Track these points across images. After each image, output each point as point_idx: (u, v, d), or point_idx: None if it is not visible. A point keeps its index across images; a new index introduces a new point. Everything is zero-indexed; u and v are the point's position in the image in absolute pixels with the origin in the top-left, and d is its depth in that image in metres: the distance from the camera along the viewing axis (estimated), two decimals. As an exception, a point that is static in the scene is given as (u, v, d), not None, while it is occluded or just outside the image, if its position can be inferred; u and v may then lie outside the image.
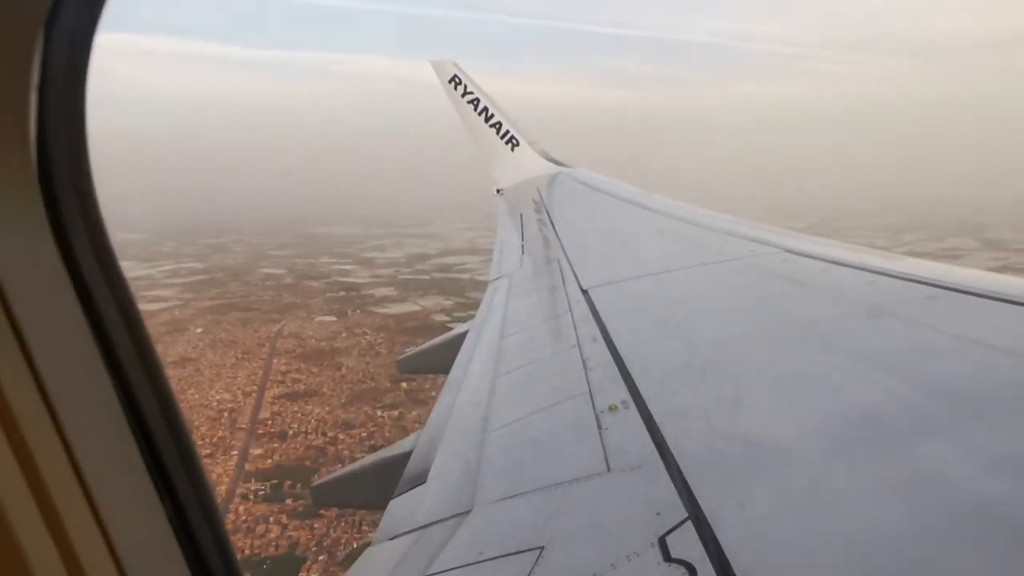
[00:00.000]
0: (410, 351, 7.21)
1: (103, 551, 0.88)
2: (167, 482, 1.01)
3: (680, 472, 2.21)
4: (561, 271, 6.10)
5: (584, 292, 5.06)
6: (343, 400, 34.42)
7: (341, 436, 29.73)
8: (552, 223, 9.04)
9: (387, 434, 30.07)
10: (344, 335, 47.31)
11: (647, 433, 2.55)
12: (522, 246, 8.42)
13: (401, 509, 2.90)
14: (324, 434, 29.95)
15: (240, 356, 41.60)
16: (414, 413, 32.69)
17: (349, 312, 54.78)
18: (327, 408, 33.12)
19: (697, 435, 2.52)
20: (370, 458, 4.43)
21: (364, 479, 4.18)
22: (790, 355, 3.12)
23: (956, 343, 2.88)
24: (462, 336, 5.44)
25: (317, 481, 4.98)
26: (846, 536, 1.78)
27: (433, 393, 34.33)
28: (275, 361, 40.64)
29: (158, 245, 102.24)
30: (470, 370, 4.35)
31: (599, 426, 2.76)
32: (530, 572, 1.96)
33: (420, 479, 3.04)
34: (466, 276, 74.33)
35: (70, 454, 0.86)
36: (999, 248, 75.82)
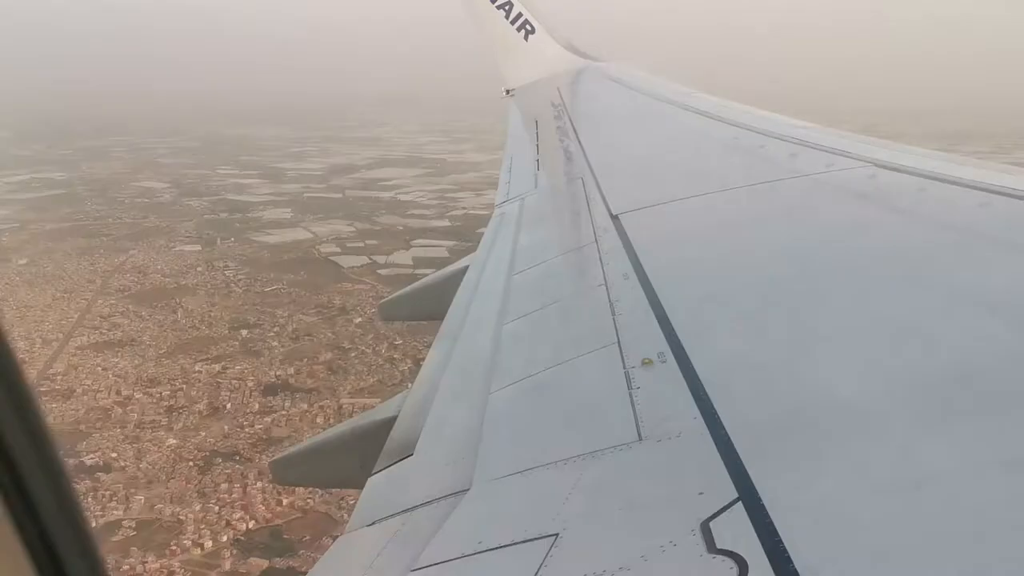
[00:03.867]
0: (394, 293, 6.87)
1: None
2: None
3: (729, 442, 2.08)
4: (586, 192, 5.82)
5: (614, 218, 4.81)
6: (161, 351, 35.03)
7: (138, 396, 30.48)
8: (575, 131, 8.63)
9: (193, 393, 30.88)
10: (200, 269, 47.42)
11: (689, 394, 2.42)
12: (537, 161, 8.05)
13: (382, 488, 2.82)
14: (118, 392, 30.69)
15: (59, 295, 41.85)
16: (238, 368, 33.45)
17: (219, 240, 54.71)
18: (138, 361, 33.75)
19: (752, 397, 2.40)
20: (345, 425, 4.28)
21: (336, 451, 4.01)
22: (878, 299, 2.94)
23: None
24: (460, 274, 5.23)
25: (279, 455, 4.82)
26: (940, 526, 1.64)
27: (276, 343, 34.86)
28: (99, 302, 40.98)
29: (17, 147, 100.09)
30: (470, 316, 4.18)
31: (629, 385, 2.64)
32: (541, 564, 1.85)
33: (406, 451, 2.96)
34: (386, 195, 73.66)
35: None
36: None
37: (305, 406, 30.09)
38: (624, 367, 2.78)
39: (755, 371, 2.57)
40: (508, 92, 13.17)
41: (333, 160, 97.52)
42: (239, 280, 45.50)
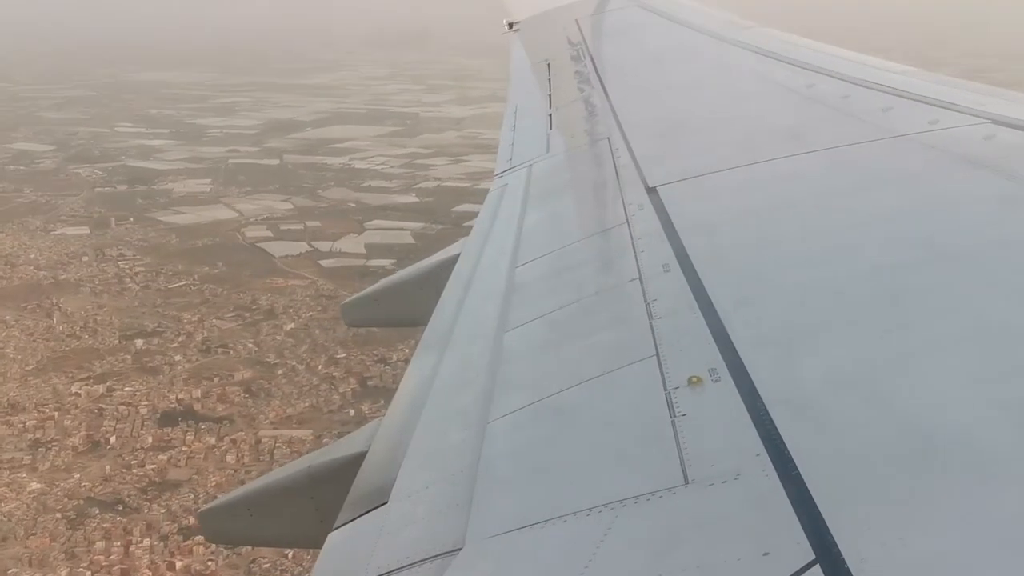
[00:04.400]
0: (363, 291, 6.93)
1: None
2: None
3: (803, 487, 2.10)
4: (614, 157, 5.83)
5: (651, 192, 4.81)
6: (28, 367, 35.30)
7: (-6, 425, 30.77)
8: (600, 78, 8.63)
9: (68, 423, 31.14)
10: (86, 259, 47.73)
11: (750, 423, 2.44)
12: (549, 116, 8.06)
13: (346, 546, 2.85)
14: (-33, 422, 30.94)
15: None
16: (129, 389, 33.71)
17: (114, 221, 54.97)
18: (-3, 380, 34.05)
19: (832, 427, 2.41)
20: (299, 463, 4.29)
21: (286, 498, 4.02)
22: (1004, 301, 2.92)
23: None
24: (448, 265, 5.23)
25: (212, 503, 4.90)
26: None
27: (179, 357, 35.47)
28: (-49, 302, 41.23)
29: None
30: (461, 321, 4.21)
31: (672, 411, 2.64)
32: None
33: (378, 498, 2.98)
34: (337, 161, 74.04)
35: None
36: None
37: (212, 440, 30.43)
38: (665, 388, 2.78)
39: (837, 394, 2.55)
40: (511, 26, 13.01)
41: (271, 114, 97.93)
42: (136, 274, 45.82)
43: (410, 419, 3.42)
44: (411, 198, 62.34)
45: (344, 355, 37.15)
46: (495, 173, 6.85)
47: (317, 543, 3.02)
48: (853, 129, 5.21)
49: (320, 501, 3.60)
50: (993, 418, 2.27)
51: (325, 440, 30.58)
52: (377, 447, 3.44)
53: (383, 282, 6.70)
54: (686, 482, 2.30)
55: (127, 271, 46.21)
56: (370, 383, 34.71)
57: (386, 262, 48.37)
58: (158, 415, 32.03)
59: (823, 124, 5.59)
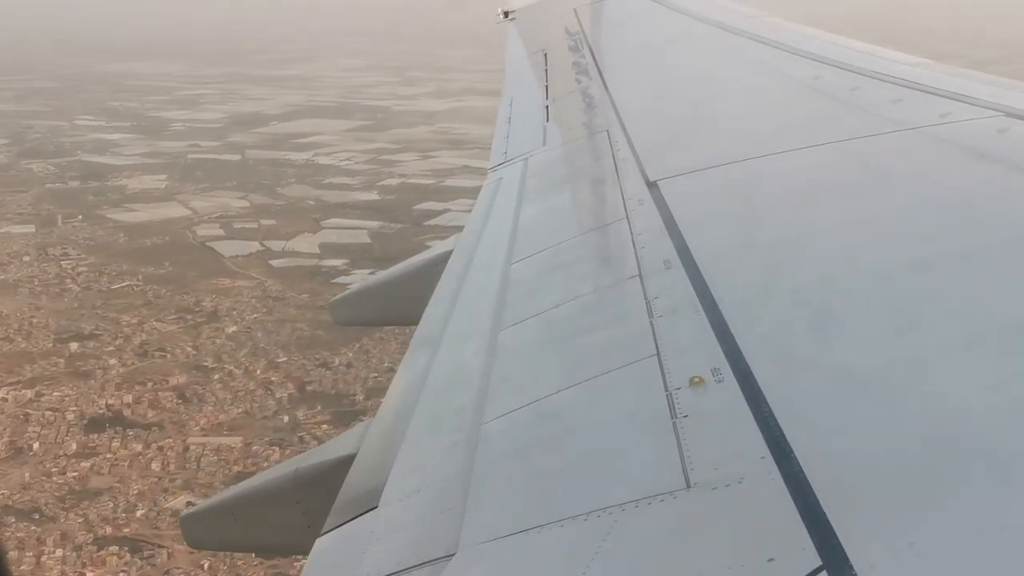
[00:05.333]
0: (351, 289, 6.90)
1: None
2: None
3: (809, 491, 2.07)
4: (613, 150, 5.83)
5: (651, 186, 4.80)
6: (-49, 375, 34.94)
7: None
8: (599, 68, 8.66)
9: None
10: (28, 259, 47.34)
11: (755, 425, 2.42)
12: (546, 108, 8.07)
13: (335, 553, 2.84)
14: None
15: None
16: (58, 394, 33.41)
17: (61, 219, 54.54)
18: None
19: (840, 430, 2.39)
20: (285, 466, 4.26)
21: (271, 501, 3.99)
22: (1011, 299, 2.90)
23: None
24: (441, 261, 5.23)
25: (192, 508, 4.81)
26: None
27: (115, 361, 35.26)
28: None
29: None
30: (454, 318, 4.21)
31: (673, 412, 2.62)
32: None
33: (368, 502, 2.97)
34: (300, 157, 73.64)
35: None
36: None
37: (139, 447, 30.23)
38: (666, 388, 2.76)
39: (844, 395, 2.55)
40: (507, 14, 13.04)
41: (239, 107, 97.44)
42: (79, 274, 45.49)
43: (401, 420, 3.41)
44: (372, 196, 62.12)
45: (285, 359, 36.98)
46: (490, 167, 6.83)
47: (304, 549, 3.02)
48: (861, 122, 5.16)
49: (307, 505, 3.58)
50: (1007, 421, 2.24)
51: (254, 447, 30.49)
52: (367, 449, 3.43)
53: (373, 279, 6.82)
54: (688, 486, 2.27)
55: (69, 271, 45.84)
56: (309, 388, 34.55)
57: (339, 262, 48.28)
58: (85, 421, 31.77)
59: (830, 117, 5.52)
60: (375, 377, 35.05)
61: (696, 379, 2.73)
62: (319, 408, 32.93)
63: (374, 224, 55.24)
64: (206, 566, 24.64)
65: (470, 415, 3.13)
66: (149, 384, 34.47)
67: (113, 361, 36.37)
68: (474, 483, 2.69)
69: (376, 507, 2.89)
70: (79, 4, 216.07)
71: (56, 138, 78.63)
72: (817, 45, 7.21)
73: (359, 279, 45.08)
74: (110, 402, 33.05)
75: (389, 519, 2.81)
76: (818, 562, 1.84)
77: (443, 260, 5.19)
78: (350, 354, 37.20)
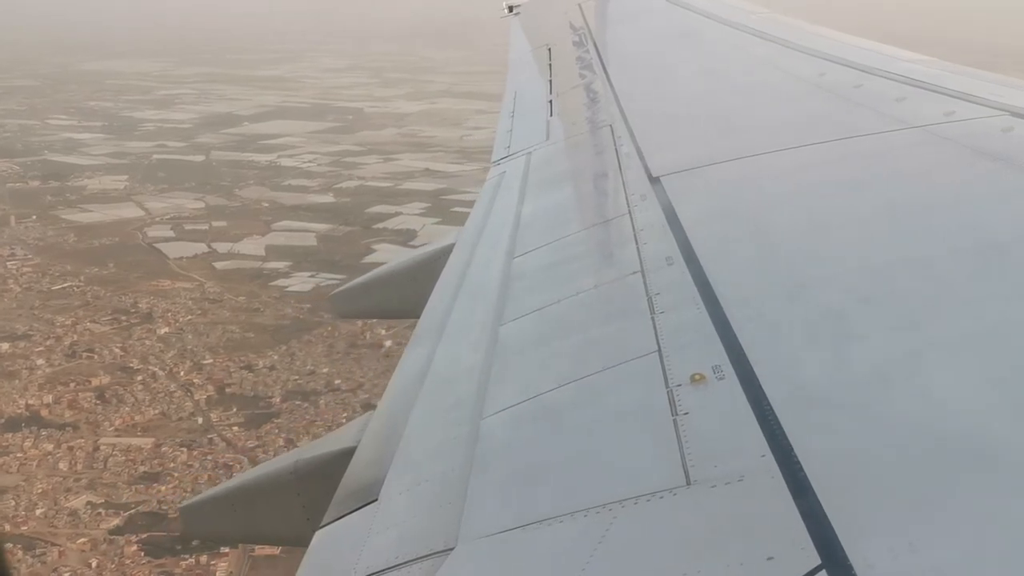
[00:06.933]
0: (352, 281, 6.91)
1: None
2: None
3: (809, 489, 2.09)
4: (616, 145, 5.88)
5: (654, 181, 4.82)
6: None
7: None
8: (603, 64, 8.74)
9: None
10: (-30, 260, 48.13)
11: (755, 422, 2.42)
12: (550, 103, 8.14)
13: (334, 545, 2.87)
14: None
15: None
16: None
17: (14, 219, 55.43)
18: None
19: (841, 427, 2.39)
20: (286, 458, 4.27)
21: (271, 493, 4.02)
22: (1014, 298, 2.90)
23: None
24: (442, 256, 5.28)
25: (192, 498, 4.86)
26: None
27: (42, 361, 35.83)
28: None
29: None
30: (455, 313, 4.23)
31: (674, 409, 2.63)
32: None
33: (367, 495, 3.00)
34: (264, 158, 74.33)
35: None
36: None
37: (50, 447, 31.04)
38: (667, 385, 2.77)
39: (846, 393, 2.55)
40: (511, 9, 13.34)
41: (212, 107, 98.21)
42: (22, 275, 46.32)
43: (401, 414, 3.43)
44: (328, 198, 62.87)
45: (210, 361, 37.82)
46: (492, 160, 6.94)
47: (303, 541, 3.05)
48: (865, 119, 5.16)
49: (307, 498, 3.61)
50: (1008, 421, 2.25)
51: (164, 449, 31.37)
52: (367, 442, 3.45)
53: (374, 272, 6.76)
54: (688, 483, 2.27)
55: (13, 271, 46.68)
56: (228, 390, 35.32)
57: (281, 265, 49.10)
58: (3, 420, 32.58)
59: (834, 114, 5.55)
60: (295, 380, 36.03)
61: (697, 376, 2.74)
62: (234, 410, 33.71)
63: (324, 227, 56.05)
64: (94, 564, 25.53)
65: (470, 409, 3.15)
66: (71, 385, 35.25)
67: (41, 361, 37.18)
68: (474, 477, 2.70)
69: (376, 500, 2.93)
70: (67, 4, 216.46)
71: (26, 137, 79.51)
72: (821, 42, 7.28)
73: (298, 282, 46.36)
74: (30, 402, 33.84)
75: (389, 512, 2.82)
76: (817, 561, 1.84)
77: (445, 254, 5.27)
78: (275, 356, 38.07)
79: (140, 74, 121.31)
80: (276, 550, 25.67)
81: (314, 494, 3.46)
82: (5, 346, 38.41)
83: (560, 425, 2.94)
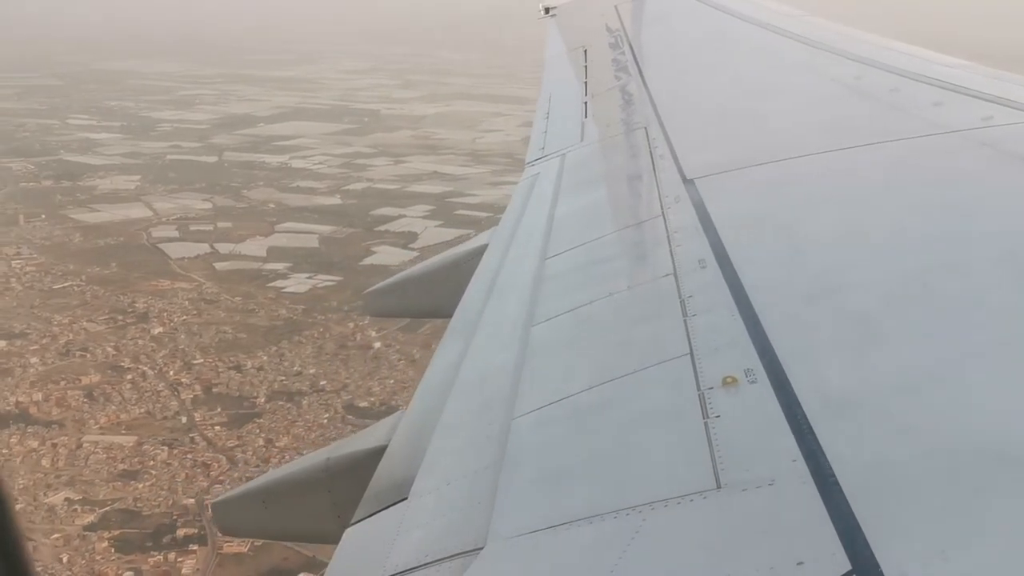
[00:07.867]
0: (385, 281, 6.98)
1: None
2: None
3: (840, 494, 2.08)
4: (651, 147, 5.90)
5: (688, 183, 4.86)
6: None
7: None
8: (638, 65, 8.79)
9: None
10: (-24, 259, 49.16)
11: (787, 426, 2.43)
12: (585, 105, 8.17)
13: (364, 543, 2.91)
14: None
15: None
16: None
17: (23, 218, 56.56)
18: None
19: (874, 433, 2.38)
20: (317, 456, 4.28)
21: (302, 490, 4.05)
22: None
23: None
24: (475, 256, 5.33)
25: (223, 494, 4.91)
26: None
27: (36, 359, 37.04)
28: None
29: None
30: (487, 313, 4.25)
31: (705, 412, 2.64)
32: None
33: (398, 493, 3.04)
34: (276, 159, 75.10)
35: None
36: None
37: (35, 444, 31.68)
38: (698, 388, 2.78)
39: (879, 399, 2.54)
40: (547, 11, 13.43)
41: (230, 108, 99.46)
42: (25, 274, 47.25)
43: (432, 413, 3.46)
44: (335, 200, 63.46)
45: (200, 361, 38.35)
46: (527, 161, 7.00)
47: (333, 538, 3.10)
48: (901, 123, 5.18)
49: (337, 495, 3.66)
50: None
51: (145, 447, 31.90)
52: (398, 441, 3.49)
53: (408, 272, 6.85)
54: (718, 486, 2.28)
55: (17, 271, 47.63)
56: (215, 390, 35.81)
57: (281, 266, 49.65)
58: (-8, 418, 33.37)
59: (870, 118, 5.55)
60: (282, 380, 36.47)
61: (729, 379, 2.74)
62: (219, 410, 34.20)
63: (327, 228, 56.56)
64: (64, 559, 26.05)
65: (501, 409, 3.16)
66: (62, 383, 35.91)
67: (35, 360, 37.89)
68: (504, 477, 2.71)
69: (406, 498, 2.96)
70: (88, 3, 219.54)
71: (44, 136, 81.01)
72: (858, 45, 7.28)
73: (295, 283, 46.87)
74: (20, 400, 34.54)
75: (419, 511, 2.85)
76: (847, 567, 1.84)
77: (478, 254, 5.32)
78: (265, 357, 38.55)
79: (162, 74, 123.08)
80: (244, 547, 26.20)
81: (345, 492, 3.50)
82: (2, 344, 39.20)
83: (591, 426, 2.96)
